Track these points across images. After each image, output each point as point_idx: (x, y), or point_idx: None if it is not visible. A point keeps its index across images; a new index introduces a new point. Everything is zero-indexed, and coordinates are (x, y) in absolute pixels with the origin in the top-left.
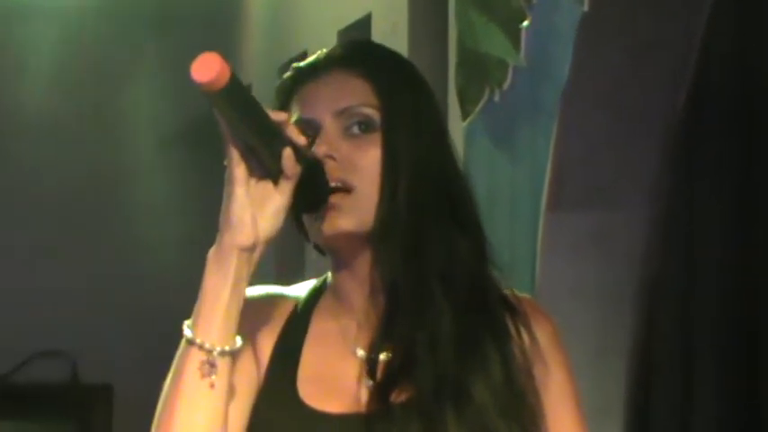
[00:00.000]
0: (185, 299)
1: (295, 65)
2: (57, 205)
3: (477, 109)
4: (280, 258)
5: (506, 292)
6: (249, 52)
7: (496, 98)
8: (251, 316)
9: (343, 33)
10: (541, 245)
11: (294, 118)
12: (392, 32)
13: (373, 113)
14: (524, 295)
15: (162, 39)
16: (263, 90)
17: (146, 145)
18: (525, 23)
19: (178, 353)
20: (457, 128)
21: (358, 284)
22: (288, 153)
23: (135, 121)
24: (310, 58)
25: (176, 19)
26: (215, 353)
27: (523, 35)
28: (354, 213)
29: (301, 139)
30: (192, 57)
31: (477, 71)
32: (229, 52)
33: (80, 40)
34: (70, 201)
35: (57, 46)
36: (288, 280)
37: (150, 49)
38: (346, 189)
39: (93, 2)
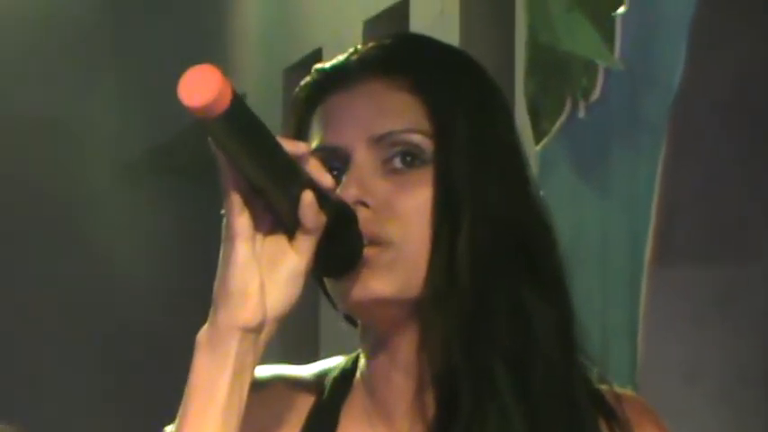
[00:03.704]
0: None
1: (317, 66)
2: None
3: (556, 127)
4: (287, 325)
5: (600, 386)
6: (242, 50)
7: (582, 113)
8: (258, 411)
9: (373, 24)
10: (645, 312)
11: (315, 144)
12: (439, 20)
13: (423, 142)
14: (626, 392)
15: (124, 37)
16: (261, 101)
17: (105, 170)
18: (621, 11)
19: None
20: (527, 153)
21: (400, 373)
22: (308, 198)
23: (93, 142)
24: (338, 59)
25: (142, 11)
26: None
27: (619, 28)
28: (395, 273)
29: (327, 180)
30: (165, 56)
31: (556, 76)
32: (214, 50)
33: (24, 44)
34: (13, 234)
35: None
36: (297, 353)
37: (109, 50)
38: (383, 243)
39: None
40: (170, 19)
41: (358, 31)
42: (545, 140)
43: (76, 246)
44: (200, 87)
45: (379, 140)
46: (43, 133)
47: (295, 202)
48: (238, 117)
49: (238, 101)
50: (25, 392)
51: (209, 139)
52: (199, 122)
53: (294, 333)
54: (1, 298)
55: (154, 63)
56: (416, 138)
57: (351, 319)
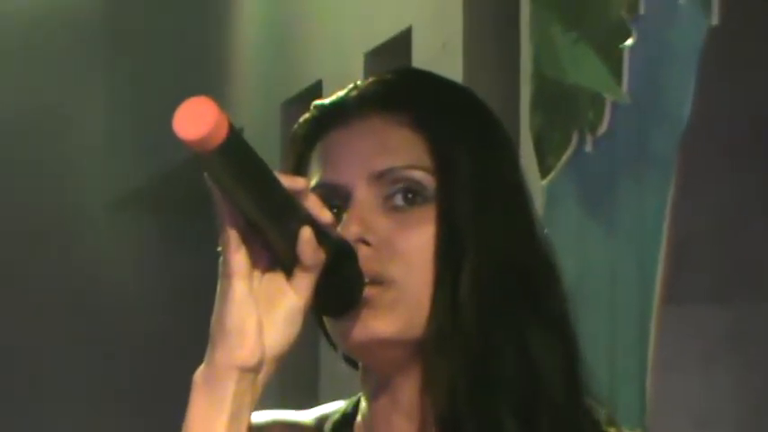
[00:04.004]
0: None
1: (316, 103)
2: None
3: (562, 162)
4: (285, 367)
5: (608, 429)
6: (239, 83)
7: (588, 147)
8: None
9: (374, 56)
10: (654, 352)
11: (314, 181)
12: (442, 53)
13: (425, 178)
14: None
15: (117, 68)
16: (259, 135)
17: (95, 205)
18: (629, 43)
19: None
20: (533, 188)
21: (401, 417)
22: (306, 234)
23: (82, 176)
24: (337, 95)
25: (136, 42)
26: None
27: (626, 60)
28: (397, 313)
29: (326, 216)
30: (157, 86)
31: (562, 110)
32: (210, 82)
33: (10, 78)
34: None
35: None
36: (295, 397)
37: (99, 80)
38: (385, 282)
39: (29, 20)
40: (165, 49)
41: (359, 63)
42: (551, 175)
43: (62, 283)
44: (196, 120)
45: (379, 177)
46: (29, 169)
47: (293, 238)
48: (235, 151)
49: (235, 134)
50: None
51: (205, 174)
52: (194, 156)
53: (293, 376)
54: None
55: (148, 96)
56: (418, 174)
57: (351, 361)
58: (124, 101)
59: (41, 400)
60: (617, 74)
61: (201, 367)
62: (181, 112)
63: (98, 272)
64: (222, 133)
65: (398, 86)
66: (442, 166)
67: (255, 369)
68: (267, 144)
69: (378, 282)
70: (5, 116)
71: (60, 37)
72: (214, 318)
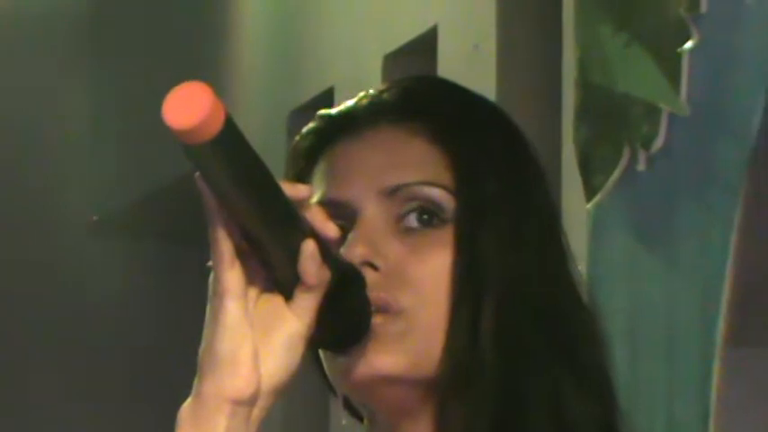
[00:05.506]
0: None
1: (321, 112)
2: None
3: (611, 182)
4: (291, 412)
5: None
6: (242, 90)
7: (642, 165)
8: None
9: (394, 60)
10: (717, 401)
11: (317, 197)
12: (473, 56)
13: (443, 197)
14: None
15: (104, 75)
16: (263, 147)
17: (76, 229)
18: (689, 46)
19: None
20: (577, 211)
21: None
22: (310, 248)
23: (63, 196)
24: (346, 104)
25: (127, 45)
26: None
27: (685, 64)
28: (406, 346)
29: (331, 229)
30: (150, 95)
31: (612, 122)
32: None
33: None
34: None
35: None
36: None
37: (82, 87)
38: (393, 311)
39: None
40: (159, 52)
41: (377, 67)
42: (598, 197)
43: (45, 309)
44: (189, 107)
45: (391, 194)
46: (11, 187)
47: (294, 253)
48: (231, 144)
49: (232, 124)
50: None
51: (196, 175)
52: (185, 151)
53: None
54: None
55: (140, 106)
56: (435, 192)
57: (353, 411)
58: (112, 112)
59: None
60: (675, 81)
61: (188, 401)
62: (172, 99)
63: (83, 299)
64: (218, 123)
65: (415, 94)
66: (464, 183)
67: (250, 402)
68: (273, 157)
69: (384, 311)
70: None
71: (41, 41)
72: (203, 344)
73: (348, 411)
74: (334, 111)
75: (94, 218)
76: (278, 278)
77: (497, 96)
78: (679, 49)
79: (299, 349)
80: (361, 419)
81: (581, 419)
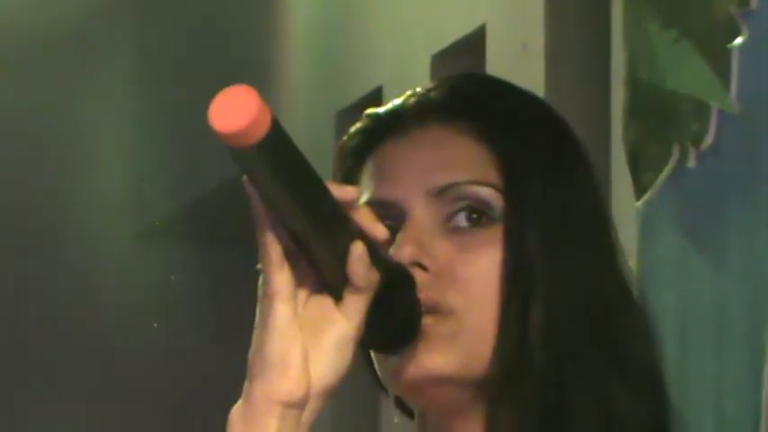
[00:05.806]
0: None
1: (368, 111)
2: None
3: (661, 179)
4: (341, 412)
5: None
6: (289, 90)
7: (691, 162)
8: None
9: (442, 59)
10: None
11: (365, 197)
12: (521, 55)
13: (493, 197)
14: None
15: (148, 76)
16: (310, 148)
17: (121, 236)
18: (738, 42)
19: None
20: (626, 209)
21: None
22: (358, 250)
23: (107, 204)
24: (393, 103)
25: (169, 46)
26: None
27: (735, 61)
28: (457, 347)
29: (380, 231)
30: (191, 104)
31: (661, 119)
32: (258, 89)
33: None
34: (27, 302)
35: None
36: None
37: (128, 91)
38: (443, 312)
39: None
40: (204, 53)
41: (425, 66)
42: (647, 195)
43: (90, 317)
44: (236, 110)
45: (440, 194)
46: (58, 197)
47: (343, 254)
48: (278, 147)
49: (279, 128)
50: None
51: (244, 178)
52: (232, 154)
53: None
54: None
55: (193, 107)
56: (484, 192)
57: (405, 408)
58: (158, 116)
59: None
60: (724, 78)
61: (238, 403)
62: (218, 103)
63: (130, 302)
64: (264, 126)
65: (463, 93)
66: (512, 182)
67: (300, 405)
68: (321, 157)
69: (434, 311)
70: (29, 144)
71: (87, 57)
72: (253, 346)
73: (399, 409)
74: (381, 110)
75: (156, 223)
76: (327, 280)
77: (546, 95)
78: (728, 46)
79: (348, 351)
80: (412, 416)
81: (630, 417)
